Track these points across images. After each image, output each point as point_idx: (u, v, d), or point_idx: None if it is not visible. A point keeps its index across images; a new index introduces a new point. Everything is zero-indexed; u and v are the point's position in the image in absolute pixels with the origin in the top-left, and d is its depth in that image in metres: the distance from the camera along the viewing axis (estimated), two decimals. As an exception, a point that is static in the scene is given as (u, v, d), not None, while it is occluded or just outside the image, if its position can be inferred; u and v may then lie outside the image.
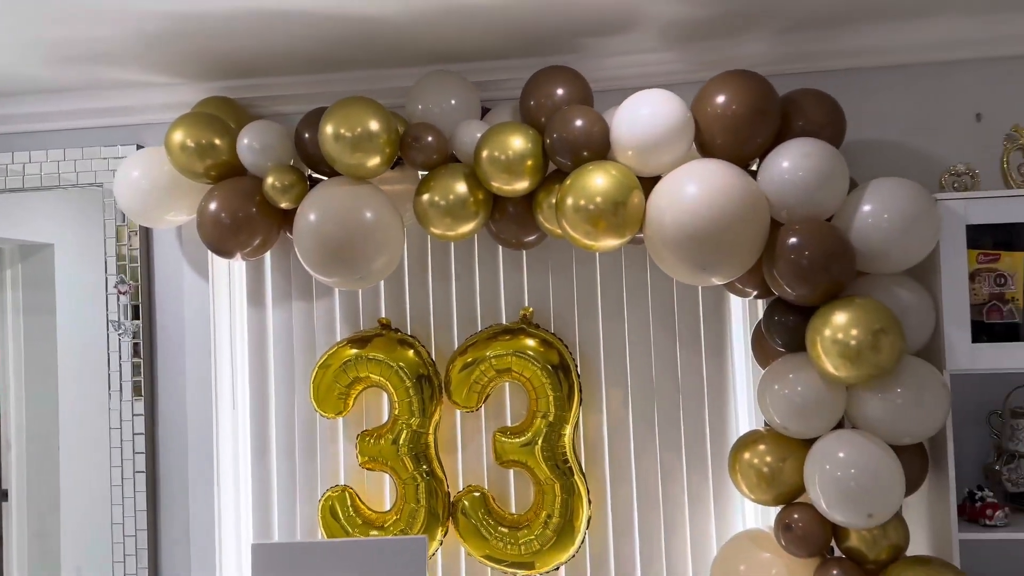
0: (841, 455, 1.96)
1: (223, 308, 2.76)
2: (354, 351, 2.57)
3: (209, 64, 2.49)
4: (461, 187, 2.24)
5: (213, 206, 2.32)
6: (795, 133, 2.11)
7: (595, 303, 2.61)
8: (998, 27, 2.39)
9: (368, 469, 2.61)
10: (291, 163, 2.38)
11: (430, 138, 2.25)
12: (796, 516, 2.07)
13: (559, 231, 2.23)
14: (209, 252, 2.71)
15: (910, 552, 2.08)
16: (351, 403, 2.61)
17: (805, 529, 2.04)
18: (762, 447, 2.14)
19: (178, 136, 2.35)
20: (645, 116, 2.07)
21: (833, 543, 2.11)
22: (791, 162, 2.02)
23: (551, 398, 2.48)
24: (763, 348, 2.31)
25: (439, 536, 2.54)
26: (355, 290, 2.66)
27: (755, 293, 2.27)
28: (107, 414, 2.68)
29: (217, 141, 2.35)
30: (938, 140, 2.46)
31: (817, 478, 1.98)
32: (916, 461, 2.06)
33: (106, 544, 2.65)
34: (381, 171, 2.27)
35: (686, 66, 2.54)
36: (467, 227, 2.28)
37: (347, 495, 2.60)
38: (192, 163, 2.36)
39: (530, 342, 2.52)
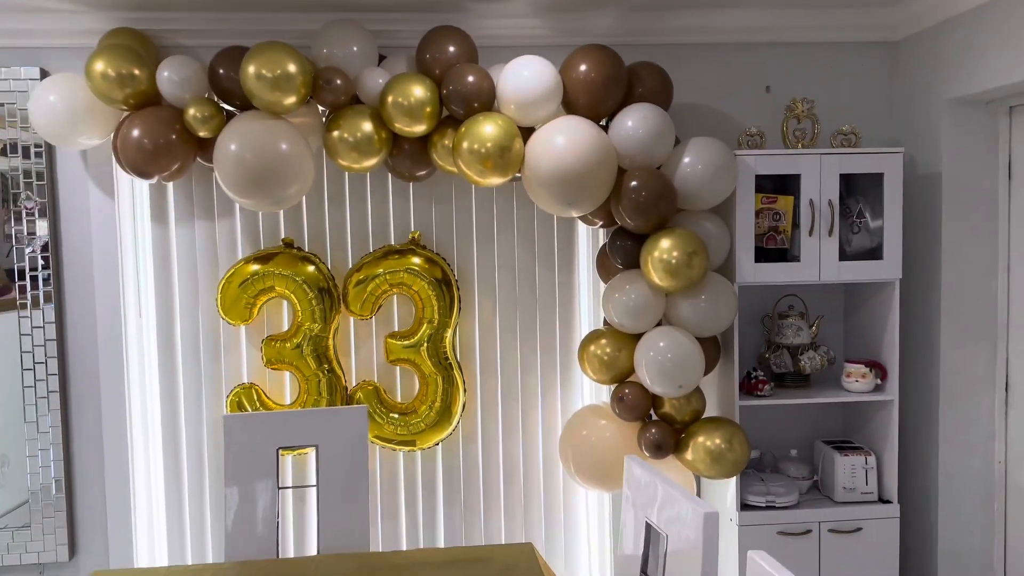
0: (661, 344, 2.63)
1: (127, 224, 2.99)
2: (260, 266, 2.92)
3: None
4: (367, 126, 2.63)
5: (135, 132, 2.56)
6: (636, 98, 2.70)
7: (471, 229, 3.11)
8: (786, 19, 3.09)
9: (273, 369, 3.00)
10: (205, 95, 2.65)
11: (339, 81, 2.61)
12: (626, 391, 2.74)
13: (452, 168, 2.70)
14: (114, 172, 2.93)
15: (705, 416, 2.83)
16: (255, 312, 2.97)
17: (633, 399, 2.72)
18: (603, 341, 2.78)
19: (99, 65, 2.54)
20: (526, 77, 2.56)
21: (652, 411, 2.82)
22: (633, 122, 2.61)
23: (436, 307, 2.99)
24: (605, 266, 2.94)
25: (337, 422, 3.00)
26: (257, 211, 2.99)
27: (600, 223, 2.88)
28: (17, 323, 2.86)
29: (136, 71, 2.57)
30: (737, 107, 3.16)
31: (644, 361, 2.65)
32: (712, 349, 2.79)
33: (23, 443, 2.88)
34: (295, 108, 2.61)
35: (549, 32, 3.05)
36: (371, 161, 2.68)
37: (254, 391, 2.99)
38: (112, 91, 2.57)
39: (417, 260, 3.00)
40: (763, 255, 2.85)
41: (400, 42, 2.94)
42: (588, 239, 3.20)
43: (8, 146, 2.82)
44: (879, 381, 2.92)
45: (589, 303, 3.22)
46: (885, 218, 2.82)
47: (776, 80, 3.18)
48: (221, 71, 2.63)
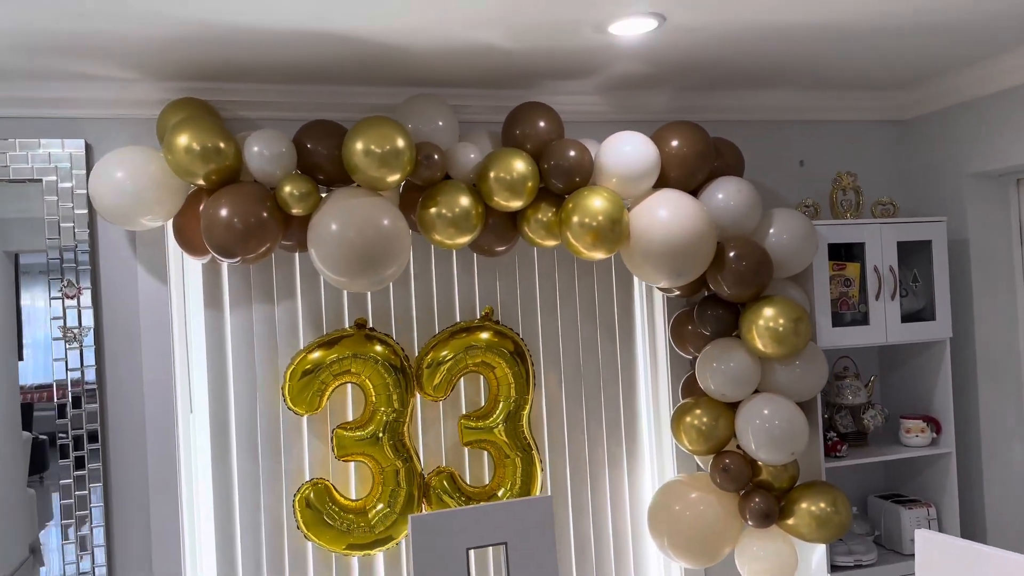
0: (766, 412, 2.66)
1: (178, 311, 2.70)
2: (331, 350, 2.72)
3: (169, 63, 2.44)
4: (465, 201, 2.54)
5: (224, 212, 2.34)
6: (715, 172, 2.78)
7: (535, 302, 3.05)
8: (811, 100, 3.31)
9: (345, 461, 2.77)
10: (294, 172, 2.48)
11: (436, 156, 2.52)
12: (727, 460, 2.74)
13: (545, 242, 2.66)
14: (167, 255, 2.66)
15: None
16: (325, 400, 2.74)
17: (736, 469, 2.72)
18: (699, 411, 2.78)
19: (183, 139, 2.32)
20: (628, 152, 2.58)
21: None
22: (725, 195, 2.68)
23: (512, 384, 2.88)
24: (683, 335, 2.96)
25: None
26: (346, 291, 2.79)
27: (679, 293, 2.91)
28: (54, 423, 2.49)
29: (223, 145, 2.36)
30: (774, 179, 3.32)
31: (749, 429, 2.67)
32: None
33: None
34: (395, 186, 2.48)
35: (609, 108, 3.10)
36: (466, 238, 2.59)
37: (324, 487, 2.73)
38: (194, 166, 2.35)
39: (486, 336, 2.89)
40: (837, 320, 2.97)
41: (471, 117, 2.90)
42: (642, 309, 3.22)
43: (48, 226, 2.49)
44: (935, 435, 3.09)
45: (647, 373, 3.22)
46: (936, 281, 3.02)
47: (805, 155, 3.38)
48: (309, 145, 2.47)
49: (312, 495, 2.71)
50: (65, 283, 2.49)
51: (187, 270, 2.74)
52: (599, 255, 2.60)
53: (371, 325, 2.85)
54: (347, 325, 2.86)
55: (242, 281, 2.75)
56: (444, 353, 2.84)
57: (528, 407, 2.92)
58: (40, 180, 2.50)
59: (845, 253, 3.02)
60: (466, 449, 2.97)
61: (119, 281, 2.61)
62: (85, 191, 2.54)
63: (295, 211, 2.42)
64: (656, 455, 3.21)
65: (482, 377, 2.98)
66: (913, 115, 3.43)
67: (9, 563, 2.77)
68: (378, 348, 2.76)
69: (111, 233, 2.60)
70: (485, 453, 2.99)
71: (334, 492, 2.76)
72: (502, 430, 2.88)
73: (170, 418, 2.65)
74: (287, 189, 2.39)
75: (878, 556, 2.99)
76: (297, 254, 2.81)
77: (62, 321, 2.49)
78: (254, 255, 2.42)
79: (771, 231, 2.75)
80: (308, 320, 2.82)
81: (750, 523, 2.74)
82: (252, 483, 2.74)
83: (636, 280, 3.19)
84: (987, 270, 3.21)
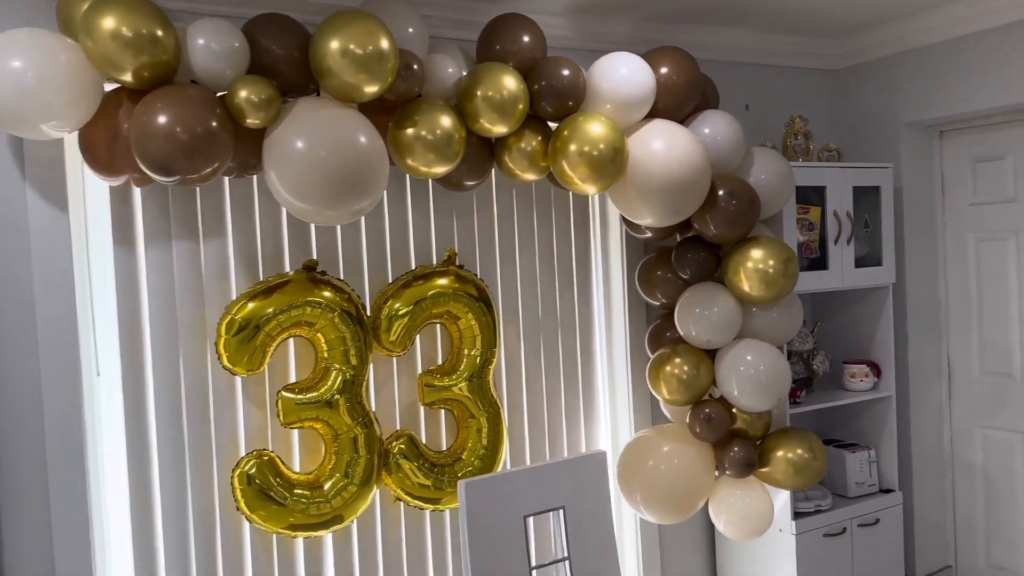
0: (749, 358, 2.55)
1: (80, 248, 2.15)
2: (268, 298, 2.29)
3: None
4: (447, 123, 2.20)
5: (162, 118, 1.84)
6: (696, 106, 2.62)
7: (493, 246, 2.76)
8: (765, 43, 3.24)
9: (291, 428, 2.36)
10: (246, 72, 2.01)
11: (415, 67, 2.16)
12: (708, 410, 2.61)
13: (527, 176, 2.38)
14: (67, 177, 2.10)
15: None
16: (268, 358, 2.31)
17: (718, 419, 2.60)
18: (678, 360, 2.62)
19: (109, 22, 1.79)
20: (624, 75, 2.34)
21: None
22: (711, 130, 2.52)
23: (479, 338, 2.59)
24: (650, 281, 2.79)
25: (375, 486, 2.44)
26: (311, 224, 2.34)
27: (650, 235, 2.74)
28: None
29: (160, 33, 1.85)
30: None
31: (733, 377, 2.55)
32: (765, 360, 2.78)
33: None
34: (371, 98, 2.09)
35: (573, 34, 2.85)
36: (445, 166, 2.23)
37: (270, 459, 2.31)
38: (122, 58, 1.82)
39: (447, 282, 2.56)
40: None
41: (435, 31, 2.53)
42: (598, 255, 3.02)
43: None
44: (876, 379, 3.15)
45: (601, 322, 3.03)
46: (883, 227, 3.06)
47: (749, 99, 3.30)
48: (262, 43, 2.02)
49: (254, 469, 2.28)
50: (-73, 207, 1.88)
51: (88, 198, 2.18)
52: (592, 189, 2.36)
53: (321, 269, 2.43)
54: (287, 268, 2.42)
55: (160, 213, 2.23)
56: (402, 302, 2.48)
57: (494, 361, 2.63)
58: None
59: (806, 198, 2.98)
60: (422, 410, 2.64)
61: (2, 210, 2.01)
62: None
63: (250, 122, 1.97)
64: (609, 408, 3.04)
65: (439, 328, 2.66)
66: (851, 63, 3.45)
67: None
68: (327, 294, 2.35)
69: (-10, 148, 2.00)
70: (443, 413, 2.68)
71: (280, 465, 2.34)
72: (466, 387, 2.58)
73: (74, 382, 2.10)
74: (243, 94, 1.93)
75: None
76: (227, 180, 2.33)
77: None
78: (198, 175, 1.95)
79: (751, 170, 2.63)
80: (240, 261, 2.36)
81: (729, 473, 2.64)
82: (175, 458, 2.26)
83: (593, 224, 2.98)
84: (917, 219, 3.31)
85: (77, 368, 2.10)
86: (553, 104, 2.31)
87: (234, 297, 2.32)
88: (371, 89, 2.04)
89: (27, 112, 1.81)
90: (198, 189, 2.28)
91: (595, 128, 2.28)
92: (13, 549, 2.04)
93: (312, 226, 2.45)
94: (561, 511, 2.17)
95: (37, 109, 1.81)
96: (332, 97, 2.06)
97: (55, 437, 2.08)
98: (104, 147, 1.96)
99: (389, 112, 2.20)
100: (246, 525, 2.35)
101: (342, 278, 2.48)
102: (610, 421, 3.03)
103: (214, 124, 1.90)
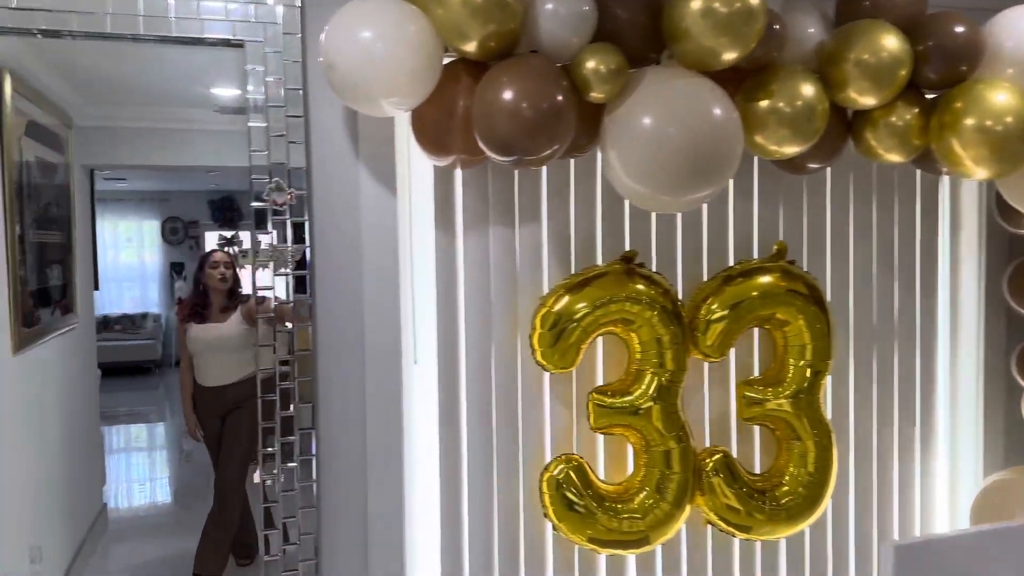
0: None
1: (404, 234, 2.07)
2: (582, 291, 2.08)
3: None
4: (809, 92, 1.86)
5: (509, 93, 1.68)
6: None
7: (823, 241, 2.38)
8: None
9: (602, 433, 2.16)
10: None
11: (778, 27, 1.84)
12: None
13: (889, 155, 1.98)
14: (395, 157, 2.02)
15: None
16: (582, 354, 2.11)
17: None
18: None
19: (462, -16, 1.66)
20: (1036, 32, 1.87)
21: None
22: None
23: (810, 346, 2.23)
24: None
25: (687, 507, 2.18)
26: (588, 217, 2.15)
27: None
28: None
29: (510, 0, 1.69)
30: None
31: None
32: None
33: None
34: (728, 65, 1.80)
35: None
36: (800, 145, 1.91)
37: (579, 465, 2.12)
38: (470, 26, 1.68)
39: (770, 279, 2.23)
40: None
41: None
42: (947, 253, 2.53)
43: (253, 106, 1.85)
44: None
45: (945, 335, 2.55)
46: None
47: None
48: (611, 7, 1.79)
49: (563, 475, 2.10)
50: (272, 184, 1.86)
51: (413, 177, 2.10)
52: (985, 174, 1.92)
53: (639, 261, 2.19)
54: (599, 259, 2.21)
55: (478, 195, 2.10)
56: (721, 301, 2.19)
57: (826, 376, 2.27)
58: (242, 43, 1.85)
59: None
60: (733, 423, 2.34)
61: (336, 189, 1.97)
62: (300, 60, 1.89)
63: (594, 95, 1.76)
64: (949, 441, 2.55)
65: (755, 331, 2.34)
66: None
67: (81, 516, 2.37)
68: (642, 288, 2.11)
69: (326, 122, 1.96)
70: (756, 430, 2.36)
71: (590, 473, 2.14)
72: (789, 404, 2.24)
73: (395, 372, 2.03)
74: (590, 64, 1.73)
75: None
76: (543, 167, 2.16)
77: (272, 238, 1.87)
78: (536, 157, 1.77)
79: None
80: (553, 250, 2.18)
81: None
82: (484, 454, 2.14)
83: (942, 215, 2.50)
84: None
85: (398, 355, 2.03)
86: (941, 69, 1.90)
87: (545, 287, 2.16)
88: (730, 55, 1.76)
89: (374, 85, 1.72)
90: (516, 172, 2.13)
91: (1000, 98, 1.84)
92: (329, 537, 2.01)
93: (627, 214, 2.22)
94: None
95: (384, 82, 1.72)
96: (681, 63, 1.80)
97: (375, 426, 2.02)
98: (438, 124, 1.84)
99: (733, 82, 1.91)
100: (548, 531, 2.19)
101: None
102: (950, 457, 2.55)
103: (560, 99, 1.70)
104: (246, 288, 2.43)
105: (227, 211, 3.16)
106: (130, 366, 3.21)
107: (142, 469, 3.25)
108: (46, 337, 2.24)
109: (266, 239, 1.86)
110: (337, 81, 1.72)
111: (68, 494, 2.45)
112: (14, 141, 2.06)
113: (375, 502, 2.02)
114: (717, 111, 1.75)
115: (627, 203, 2.20)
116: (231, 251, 2.52)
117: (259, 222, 1.86)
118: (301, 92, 1.88)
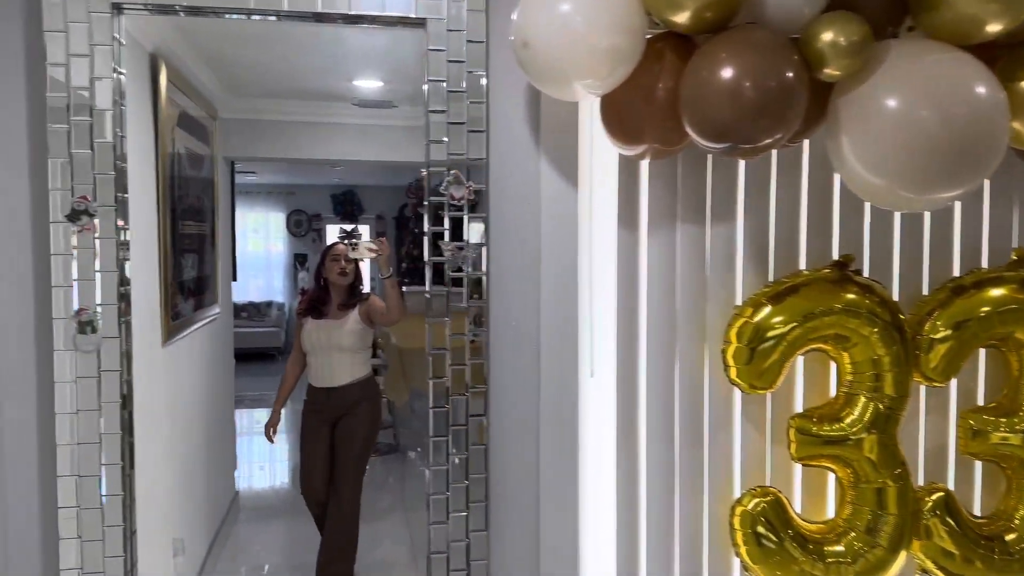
0: None
1: (585, 231, 1.87)
2: (783, 302, 1.81)
3: None
4: (1088, 72, 1.53)
5: (729, 71, 1.44)
6: None
7: None
8: None
9: (805, 464, 1.89)
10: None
11: (1052, -6, 1.52)
12: None
13: None
14: (578, 146, 1.81)
15: None
16: (784, 374, 1.85)
17: None
18: None
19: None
20: None
21: None
22: None
23: (1059, 369, 1.89)
24: None
25: (904, 553, 1.88)
26: (791, 216, 1.88)
27: None
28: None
29: (732, -37, 1.45)
30: None
31: None
32: None
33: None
34: (984, 39, 1.50)
35: None
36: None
37: (777, 500, 1.86)
38: (685, -3, 1.46)
39: (1003, 292, 1.89)
40: None
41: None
42: None
43: (431, 94, 1.69)
44: None
45: None
46: None
47: None
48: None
49: (760, 510, 1.85)
50: (451, 176, 1.70)
51: (594, 169, 1.90)
52: None
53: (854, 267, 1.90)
54: (802, 263, 1.94)
55: (667, 189, 1.87)
56: (946, 318, 1.87)
57: (1074, 405, 1.92)
58: (423, 22, 1.69)
59: None
60: (952, 457, 2.02)
61: (516, 183, 1.79)
62: (484, 41, 1.71)
63: (829, 72, 1.50)
64: None
65: (981, 352, 2.01)
66: None
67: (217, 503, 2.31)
68: (852, 298, 1.82)
69: (508, 110, 1.78)
70: (978, 465, 2.03)
71: (789, 510, 1.88)
72: (1022, 439, 1.90)
73: (571, 385, 1.84)
74: (827, 36, 1.46)
75: None
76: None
77: (447, 233, 1.71)
78: (755, 145, 1.53)
79: None
80: (749, 252, 1.92)
81: None
82: (665, 478, 1.91)
83: None
84: None
85: (575, 365, 1.83)
86: None
87: (739, 295, 1.91)
88: (995, 26, 1.46)
89: (571, 64, 1.52)
90: (709, 163, 1.89)
91: None
92: (498, 554, 1.83)
93: (835, 212, 1.94)
94: None
95: (583, 61, 1.51)
96: (935, 36, 1.52)
97: (549, 440, 1.83)
98: (632, 109, 1.62)
99: (983, 62, 1.60)
100: (736, 567, 1.94)
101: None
102: None
103: (790, 76, 1.45)
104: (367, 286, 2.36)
105: (348, 205, 3.20)
106: (254, 352, 3.34)
107: (263, 453, 3.26)
108: (192, 327, 2.21)
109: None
110: (530, 61, 1.53)
111: (206, 482, 2.42)
112: (168, 132, 2.01)
113: (547, 520, 1.83)
114: (981, 91, 1.45)
115: (836, 201, 1.92)
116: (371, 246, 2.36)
117: (435, 219, 1.70)
118: (484, 77, 1.71)
